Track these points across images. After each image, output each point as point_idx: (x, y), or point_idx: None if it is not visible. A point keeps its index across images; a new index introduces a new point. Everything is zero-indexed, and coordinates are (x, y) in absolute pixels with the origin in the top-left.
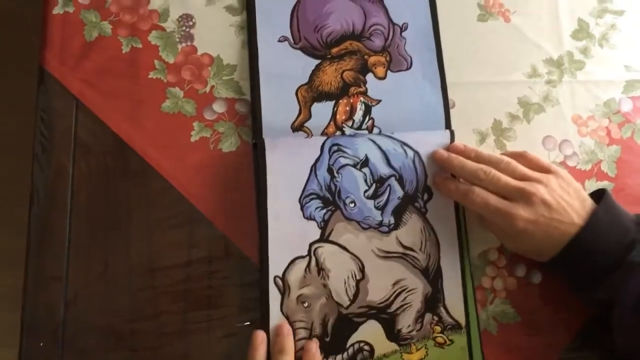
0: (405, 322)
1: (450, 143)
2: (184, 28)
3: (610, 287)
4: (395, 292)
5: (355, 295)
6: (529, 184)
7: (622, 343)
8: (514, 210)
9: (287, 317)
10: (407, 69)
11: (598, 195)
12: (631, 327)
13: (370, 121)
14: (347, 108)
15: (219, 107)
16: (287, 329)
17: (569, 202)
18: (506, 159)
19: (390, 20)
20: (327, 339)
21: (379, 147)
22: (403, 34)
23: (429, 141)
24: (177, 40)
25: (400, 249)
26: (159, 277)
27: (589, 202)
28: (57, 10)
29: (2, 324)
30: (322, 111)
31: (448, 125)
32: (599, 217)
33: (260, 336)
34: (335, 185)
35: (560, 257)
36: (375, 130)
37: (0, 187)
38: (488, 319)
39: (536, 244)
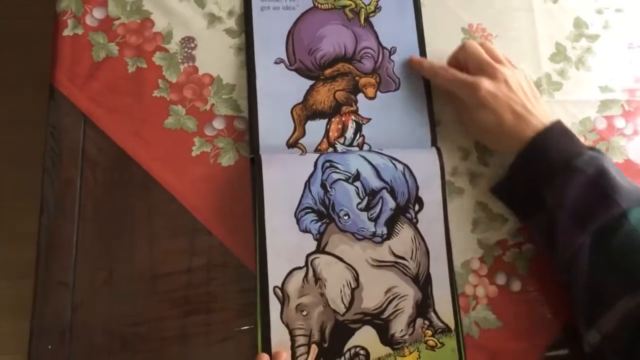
0: (398, 327)
1: (438, 160)
2: (186, 49)
3: (557, 192)
4: (388, 299)
5: (351, 302)
6: (498, 64)
7: (561, 249)
8: (478, 81)
9: (286, 325)
10: (396, 89)
11: None
12: (570, 231)
13: (361, 138)
14: (339, 126)
15: (218, 124)
16: (286, 356)
17: (529, 96)
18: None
19: (379, 44)
20: (325, 345)
21: (369, 162)
22: (392, 57)
23: (416, 157)
24: (180, 61)
25: (393, 258)
26: (160, 284)
27: (549, 114)
28: (67, 32)
29: (8, 332)
30: (315, 129)
31: (434, 142)
32: (558, 125)
33: (264, 359)
34: (329, 199)
35: (524, 151)
36: (366, 147)
37: (18, 202)
38: (471, 324)
39: (495, 122)
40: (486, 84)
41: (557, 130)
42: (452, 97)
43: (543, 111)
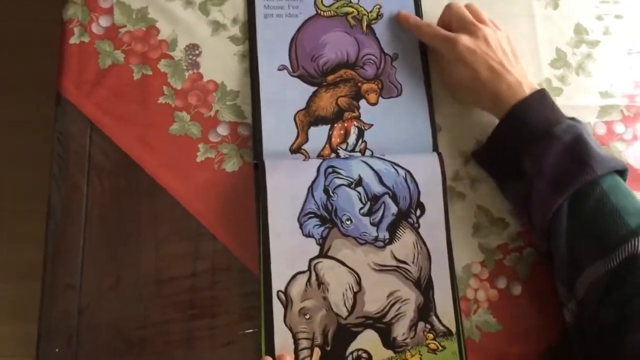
0: (400, 331)
1: (439, 165)
2: (190, 57)
3: (536, 159)
4: (390, 302)
5: (353, 306)
6: (480, 23)
7: (539, 215)
8: (457, 36)
9: (290, 329)
10: (398, 95)
11: None
12: (548, 197)
13: (363, 144)
14: (342, 132)
15: (222, 130)
16: (289, 359)
17: (508, 55)
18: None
19: (381, 50)
20: (328, 348)
21: (372, 168)
22: (394, 63)
23: (418, 163)
24: (185, 67)
25: (395, 262)
26: (165, 287)
27: (531, 83)
28: (73, 40)
29: (8, 334)
30: (318, 135)
31: (435, 147)
32: (540, 93)
33: None
34: (332, 204)
35: (506, 118)
36: (368, 152)
37: (18, 204)
38: (472, 328)
39: (471, 77)
40: (465, 39)
41: (538, 98)
42: (436, 55)
43: (521, 70)
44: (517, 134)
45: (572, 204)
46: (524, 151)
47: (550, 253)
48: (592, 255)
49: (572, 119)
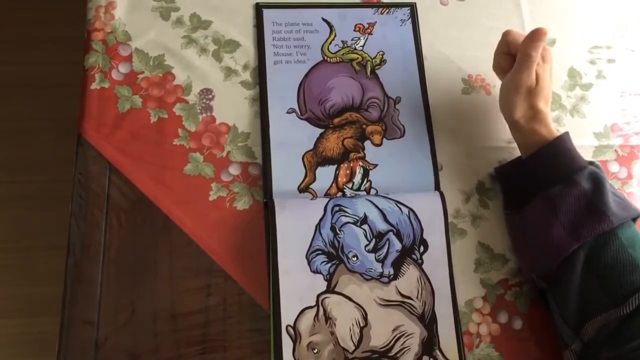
0: None
1: (441, 203)
2: (204, 100)
3: (549, 199)
4: (395, 337)
5: (360, 340)
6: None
7: (544, 256)
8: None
9: None
10: (401, 136)
11: None
12: (564, 239)
13: (368, 183)
14: (348, 171)
15: (234, 170)
16: None
17: None
18: None
19: (385, 94)
20: None
21: (376, 206)
22: (397, 106)
23: (421, 201)
24: (198, 111)
25: (399, 298)
26: (179, 322)
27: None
28: (94, 85)
29: None
30: (325, 174)
31: (437, 186)
32: (562, 139)
33: None
34: (339, 242)
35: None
36: (373, 191)
37: (37, 241)
38: None
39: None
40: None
41: (565, 140)
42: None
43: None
44: (540, 172)
45: (590, 254)
46: (538, 192)
47: (545, 291)
48: (605, 304)
49: (592, 163)
